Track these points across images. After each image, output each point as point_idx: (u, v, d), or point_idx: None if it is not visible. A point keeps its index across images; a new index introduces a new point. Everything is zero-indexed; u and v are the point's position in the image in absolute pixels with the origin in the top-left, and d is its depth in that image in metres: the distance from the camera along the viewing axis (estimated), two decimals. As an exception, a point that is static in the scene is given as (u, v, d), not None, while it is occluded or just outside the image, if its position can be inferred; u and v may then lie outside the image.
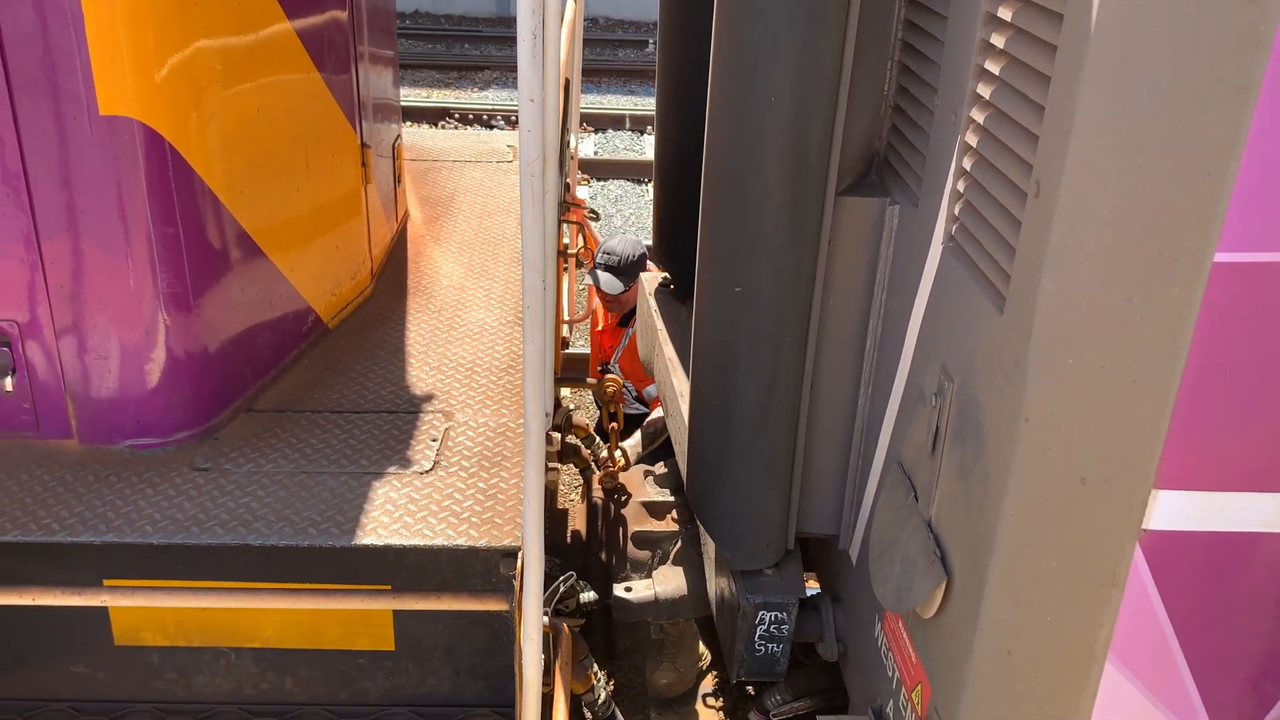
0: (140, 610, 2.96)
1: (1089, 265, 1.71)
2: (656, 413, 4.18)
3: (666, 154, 4.01)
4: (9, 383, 2.88)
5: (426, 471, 2.94)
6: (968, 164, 2.10)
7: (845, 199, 2.58)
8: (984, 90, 2.01)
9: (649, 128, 11.74)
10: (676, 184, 3.94)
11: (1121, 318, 1.71)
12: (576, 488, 5.89)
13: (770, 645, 2.95)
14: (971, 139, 2.08)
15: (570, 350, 6.76)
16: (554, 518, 4.08)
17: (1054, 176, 1.71)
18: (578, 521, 4.18)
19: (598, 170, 10.46)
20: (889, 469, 2.59)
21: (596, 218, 4.31)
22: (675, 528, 3.89)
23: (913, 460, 2.41)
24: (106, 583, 2.87)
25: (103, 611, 2.98)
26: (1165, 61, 1.56)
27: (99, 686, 3.08)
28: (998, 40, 1.94)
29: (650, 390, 5.18)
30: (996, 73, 1.95)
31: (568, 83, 4.43)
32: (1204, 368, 1.71)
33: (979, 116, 2.04)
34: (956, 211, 2.17)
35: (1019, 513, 1.91)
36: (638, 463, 4.26)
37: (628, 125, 12.01)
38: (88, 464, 2.92)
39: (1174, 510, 1.81)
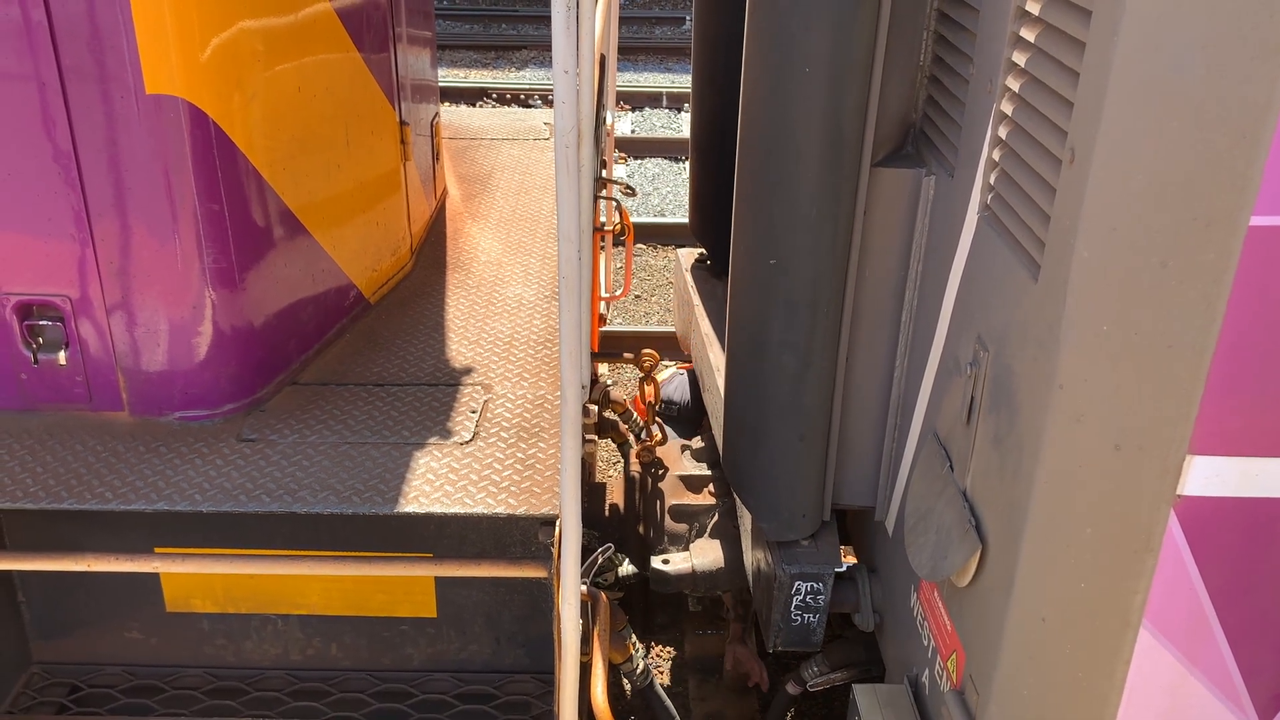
0: (190, 577, 3.04)
1: (1123, 231, 1.71)
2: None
3: (703, 130, 4.02)
4: (62, 356, 2.96)
5: (466, 442, 2.99)
6: (1003, 133, 2.10)
7: (881, 170, 2.58)
8: (1019, 58, 2.01)
9: (686, 105, 11.70)
10: (713, 160, 3.95)
11: (1156, 283, 1.71)
12: (615, 463, 5.93)
13: (806, 615, 2.97)
14: (1007, 107, 2.08)
15: (608, 328, 6.79)
16: (592, 491, 4.12)
17: (1089, 142, 1.71)
18: (616, 495, 4.22)
19: (635, 149, 10.45)
20: (925, 440, 2.60)
21: (632, 193, 4.32)
22: (712, 501, 3.92)
23: (948, 430, 2.42)
24: (157, 550, 2.96)
25: (155, 579, 3.07)
26: (1201, 24, 1.55)
27: (152, 651, 3.17)
28: (1033, 7, 1.94)
29: None
30: (1032, 40, 1.95)
31: (603, 58, 4.44)
32: (1239, 332, 1.71)
33: (1014, 85, 2.04)
34: (992, 181, 2.17)
35: (1053, 480, 1.92)
36: None
37: (665, 103, 11.98)
38: (138, 435, 3.00)
39: (1209, 476, 1.81)
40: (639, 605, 4.78)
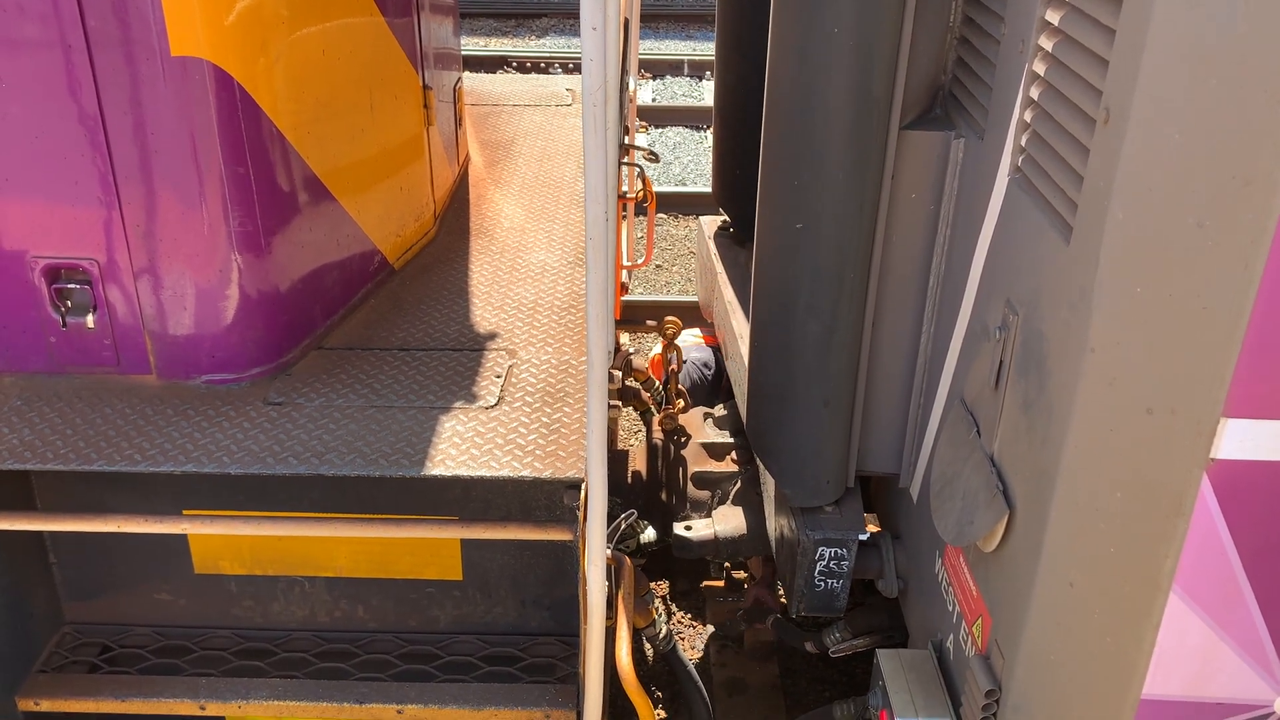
0: (218, 539, 3.07)
1: (1159, 191, 1.69)
2: None
3: (727, 96, 3.99)
4: (90, 320, 2.97)
5: (491, 406, 3.00)
6: (1035, 93, 2.08)
7: (909, 133, 2.55)
8: (1053, 16, 1.98)
9: (708, 73, 11.61)
10: (737, 126, 3.92)
11: (1192, 244, 1.69)
12: (637, 432, 5.94)
13: (830, 581, 2.97)
14: (1039, 67, 2.05)
15: (629, 297, 6.78)
16: (615, 458, 4.13)
17: (1124, 101, 1.68)
18: (638, 463, 4.23)
19: (656, 117, 10.39)
20: (951, 405, 2.58)
21: (655, 159, 4.29)
22: (735, 468, 3.92)
23: (975, 395, 2.40)
24: (186, 512, 2.99)
25: (183, 541, 3.10)
26: (1243, -23, 1.52)
27: (180, 612, 3.21)
28: (1069, -37, 1.91)
29: None
30: (1067, -3, 1.92)
31: (627, 23, 4.41)
32: (1276, 293, 1.68)
33: (1047, 44, 2.01)
34: (1023, 142, 2.15)
35: (1083, 444, 1.91)
36: None
37: (686, 71, 11.89)
38: (166, 398, 3.02)
39: (1243, 439, 1.79)
40: (660, 574, 4.81)
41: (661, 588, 4.87)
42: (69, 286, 2.96)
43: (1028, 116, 2.12)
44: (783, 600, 4.10)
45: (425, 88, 3.89)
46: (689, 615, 4.76)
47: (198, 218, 2.88)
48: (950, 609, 2.59)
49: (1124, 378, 1.82)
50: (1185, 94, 1.62)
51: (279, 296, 3.11)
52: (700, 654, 4.50)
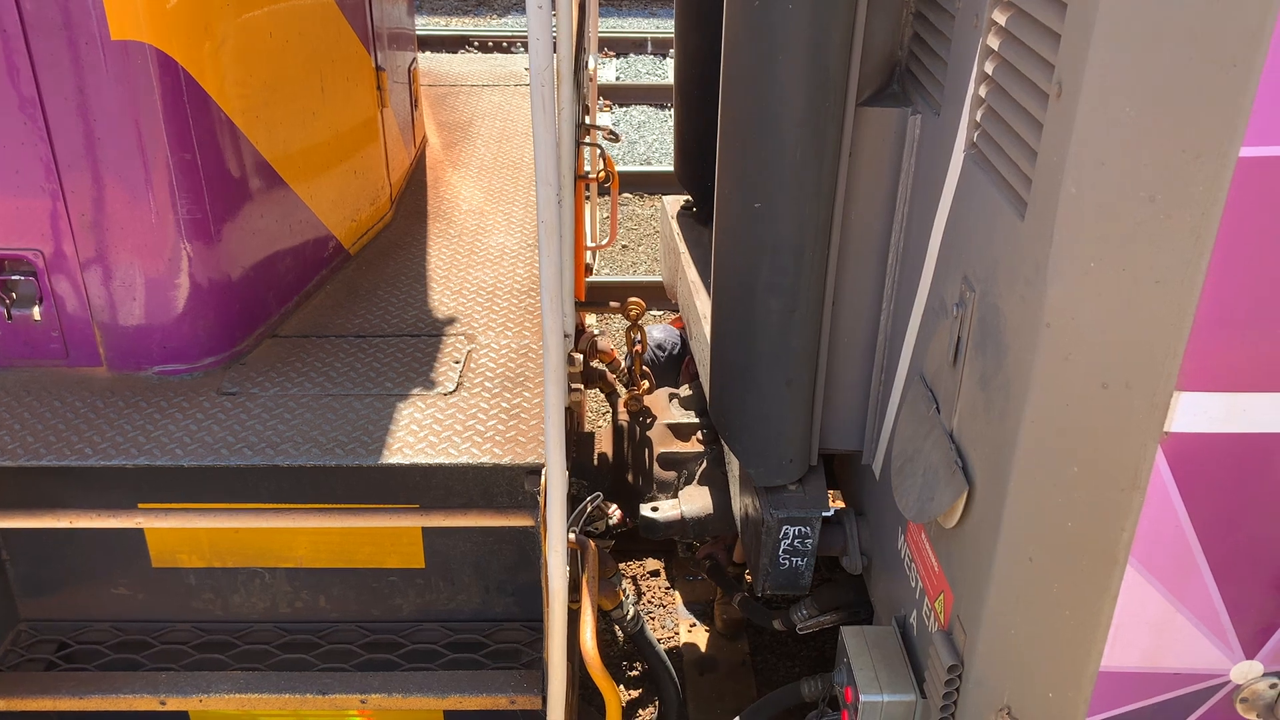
0: (176, 533, 3.03)
1: (1111, 165, 1.68)
2: None
3: (687, 74, 3.95)
4: (37, 312, 2.91)
5: (450, 393, 2.97)
6: (989, 68, 2.06)
7: (866, 109, 2.54)
8: (1006, -11, 1.96)
9: (672, 51, 11.55)
10: (698, 104, 3.89)
11: (1144, 218, 1.69)
12: (603, 414, 5.92)
13: (794, 559, 2.98)
14: (993, 42, 2.04)
15: (594, 278, 6.74)
16: (580, 441, 4.11)
17: (1076, 75, 1.67)
18: (604, 445, 4.21)
19: (619, 96, 10.33)
20: (911, 382, 2.58)
21: (616, 139, 4.26)
22: (700, 448, 3.92)
23: (934, 372, 2.40)
24: (141, 506, 2.94)
25: (139, 535, 3.05)
26: (1191, -52, 1.51)
27: (139, 607, 3.17)
28: (1019, -65, 1.89)
29: None
30: (1018, -30, 1.90)
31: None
32: (1228, 266, 1.68)
33: (1000, 18, 2.00)
34: (978, 118, 2.14)
35: (1040, 419, 1.91)
36: None
37: (649, 49, 11.82)
38: (117, 390, 2.96)
39: (1196, 412, 1.80)
40: (639, 552, 4.80)
41: (646, 566, 4.87)
42: (13, 278, 2.89)
43: (982, 92, 2.10)
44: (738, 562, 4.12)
45: (378, 69, 3.83)
46: (657, 596, 4.77)
47: (145, 206, 2.82)
48: (913, 585, 2.59)
49: (1079, 352, 1.82)
50: (1136, 65, 1.61)
51: (231, 285, 3.06)
52: (671, 634, 4.51)
